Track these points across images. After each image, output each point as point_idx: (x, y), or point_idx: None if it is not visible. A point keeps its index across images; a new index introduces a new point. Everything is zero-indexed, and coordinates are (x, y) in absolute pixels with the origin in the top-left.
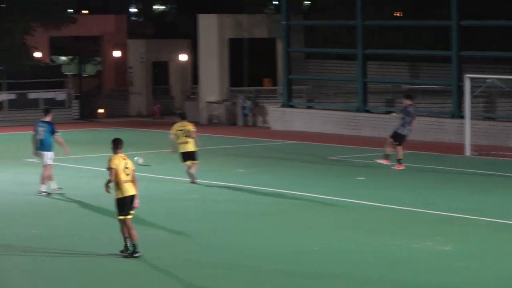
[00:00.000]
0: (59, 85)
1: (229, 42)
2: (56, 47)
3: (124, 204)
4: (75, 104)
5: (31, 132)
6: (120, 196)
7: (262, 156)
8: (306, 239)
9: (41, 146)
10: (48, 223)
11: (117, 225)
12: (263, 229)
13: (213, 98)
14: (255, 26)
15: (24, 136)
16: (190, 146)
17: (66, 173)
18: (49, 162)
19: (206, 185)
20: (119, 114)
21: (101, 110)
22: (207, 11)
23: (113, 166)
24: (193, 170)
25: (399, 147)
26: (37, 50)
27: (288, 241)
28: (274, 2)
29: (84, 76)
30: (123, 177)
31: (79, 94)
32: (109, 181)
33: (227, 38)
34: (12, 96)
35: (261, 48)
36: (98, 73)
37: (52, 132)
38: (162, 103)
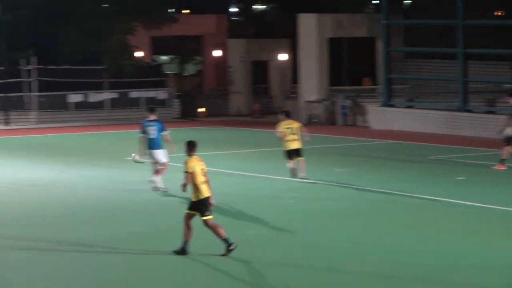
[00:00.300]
0: (160, 84)
1: (329, 41)
2: (157, 47)
3: (204, 205)
4: (176, 103)
5: (132, 130)
6: (200, 197)
7: (362, 156)
8: (407, 239)
9: (153, 144)
10: (148, 221)
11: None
12: (363, 228)
13: (312, 97)
14: (355, 26)
15: (125, 135)
16: (297, 143)
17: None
18: (164, 159)
19: (305, 184)
20: (219, 113)
21: (201, 109)
22: (307, 10)
23: (189, 170)
24: (303, 165)
25: (507, 147)
26: (139, 49)
27: (389, 241)
28: (374, 2)
29: (184, 75)
30: (200, 178)
31: (180, 93)
32: (184, 185)
33: (326, 38)
34: (114, 95)
35: (360, 47)
36: (198, 72)
37: (162, 130)
38: (262, 102)
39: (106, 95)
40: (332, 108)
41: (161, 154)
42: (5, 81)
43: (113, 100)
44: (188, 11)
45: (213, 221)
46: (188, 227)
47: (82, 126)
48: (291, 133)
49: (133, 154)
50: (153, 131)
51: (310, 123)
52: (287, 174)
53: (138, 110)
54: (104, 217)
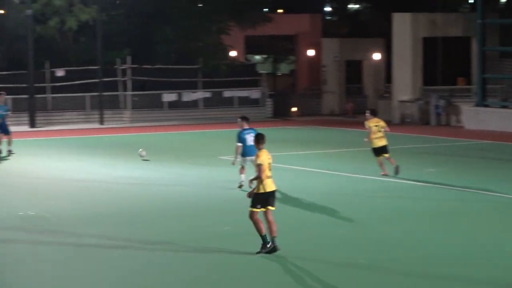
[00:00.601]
0: (254, 84)
1: (423, 40)
2: (251, 46)
3: (262, 199)
4: (269, 102)
5: (225, 130)
6: (262, 191)
7: (455, 155)
8: (498, 240)
9: (251, 151)
10: (241, 219)
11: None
12: (454, 229)
13: (406, 97)
14: (449, 25)
15: (218, 134)
16: (384, 141)
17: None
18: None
19: (395, 183)
20: (312, 113)
21: (294, 109)
22: (402, 9)
23: (261, 163)
24: (393, 162)
25: None
26: (233, 49)
27: (485, 242)
28: (469, 1)
29: (278, 75)
30: (267, 172)
31: (273, 92)
32: (256, 177)
33: (421, 37)
34: (207, 94)
35: (455, 46)
36: (291, 71)
37: None
38: (355, 102)
39: (199, 95)
40: (426, 107)
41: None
42: (101, 80)
43: (206, 99)
44: (282, 10)
45: (257, 216)
46: (268, 221)
47: (175, 125)
48: (378, 130)
49: (140, 149)
50: (251, 137)
51: (403, 122)
52: (378, 173)
53: (231, 109)
54: (195, 215)
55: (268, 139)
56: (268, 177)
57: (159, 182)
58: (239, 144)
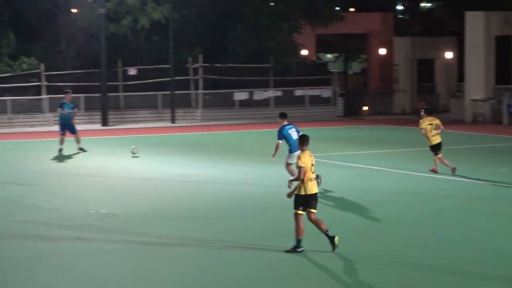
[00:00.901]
0: (325, 83)
1: (496, 39)
2: (322, 45)
3: (304, 201)
4: (340, 101)
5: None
6: (302, 192)
7: None
8: None
9: (295, 147)
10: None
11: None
12: None
13: (478, 96)
14: None
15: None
16: (439, 138)
17: (327, 170)
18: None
19: (467, 183)
20: (383, 112)
21: (365, 108)
22: (475, 8)
23: (302, 165)
24: (443, 160)
25: None
26: (304, 47)
27: None
28: None
29: (349, 74)
30: (309, 175)
31: (344, 91)
32: (296, 179)
33: (494, 35)
34: (278, 93)
35: None
36: (362, 70)
37: (298, 131)
38: (427, 100)
39: (271, 93)
40: (498, 107)
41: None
42: (172, 79)
43: (277, 98)
44: (353, 9)
45: (301, 218)
46: (298, 224)
47: (245, 124)
48: (433, 128)
49: (133, 147)
50: (295, 132)
51: (475, 122)
52: (449, 173)
53: (302, 108)
54: (260, 213)
55: (338, 137)
56: (311, 179)
57: (227, 180)
58: (279, 141)
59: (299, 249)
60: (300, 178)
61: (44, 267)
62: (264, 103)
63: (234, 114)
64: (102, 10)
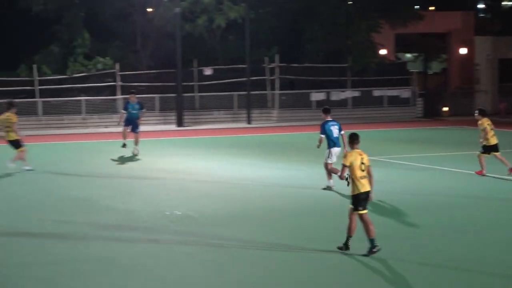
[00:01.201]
0: (404, 83)
1: None
2: (400, 44)
3: (359, 200)
4: (419, 102)
5: (375, 130)
6: (356, 192)
7: None
8: None
9: (336, 143)
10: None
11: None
12: None
13: None
14: None
15: (367, 134)
16: (496, 139)
17: (395, 171)
18: (335, 159)
19: None
20: (464, 112)
21: (445, 108)
22: None
23: (346, 164)
24: (503, 159)
25: None
26: (383, 47)
27: None
28: None
29: (429, 74)
30: (358, 173)
31: (424, 91)
32: (342, 177)
33: None
34: (356, 93)
35: None
36: (443, 70)
37: (340, 130)
38: (508, 101)
39: (348, 94)
40: None
41: (338, 152)
42: (248, 79)
43: (355, 98)
44: (433, 8)
45: (367, 216)
46: (365, 222)
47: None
48: (491, 128)
49: (135, 146)
50: (336, 130)
51: None
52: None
53: (381, 109)
54: (327, 216)
55: (416, 139)
56: (362, 177)
57: (303, 184)
58: (322, 135)
59: (375, 249)
60: (341, 176)
61: (116, 269)
62: (342, 103)
63: (310, 114)
64: (177, 9)
